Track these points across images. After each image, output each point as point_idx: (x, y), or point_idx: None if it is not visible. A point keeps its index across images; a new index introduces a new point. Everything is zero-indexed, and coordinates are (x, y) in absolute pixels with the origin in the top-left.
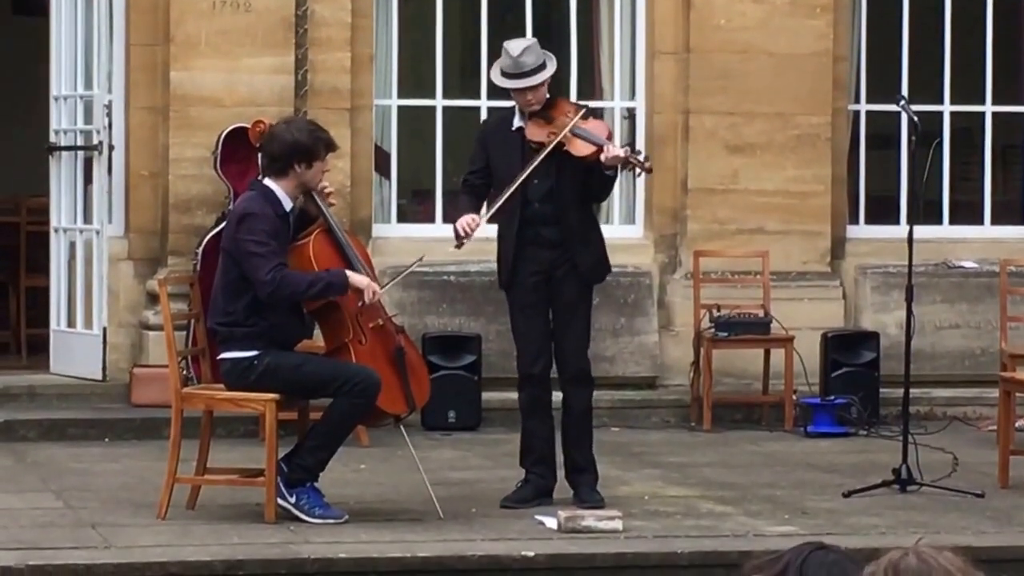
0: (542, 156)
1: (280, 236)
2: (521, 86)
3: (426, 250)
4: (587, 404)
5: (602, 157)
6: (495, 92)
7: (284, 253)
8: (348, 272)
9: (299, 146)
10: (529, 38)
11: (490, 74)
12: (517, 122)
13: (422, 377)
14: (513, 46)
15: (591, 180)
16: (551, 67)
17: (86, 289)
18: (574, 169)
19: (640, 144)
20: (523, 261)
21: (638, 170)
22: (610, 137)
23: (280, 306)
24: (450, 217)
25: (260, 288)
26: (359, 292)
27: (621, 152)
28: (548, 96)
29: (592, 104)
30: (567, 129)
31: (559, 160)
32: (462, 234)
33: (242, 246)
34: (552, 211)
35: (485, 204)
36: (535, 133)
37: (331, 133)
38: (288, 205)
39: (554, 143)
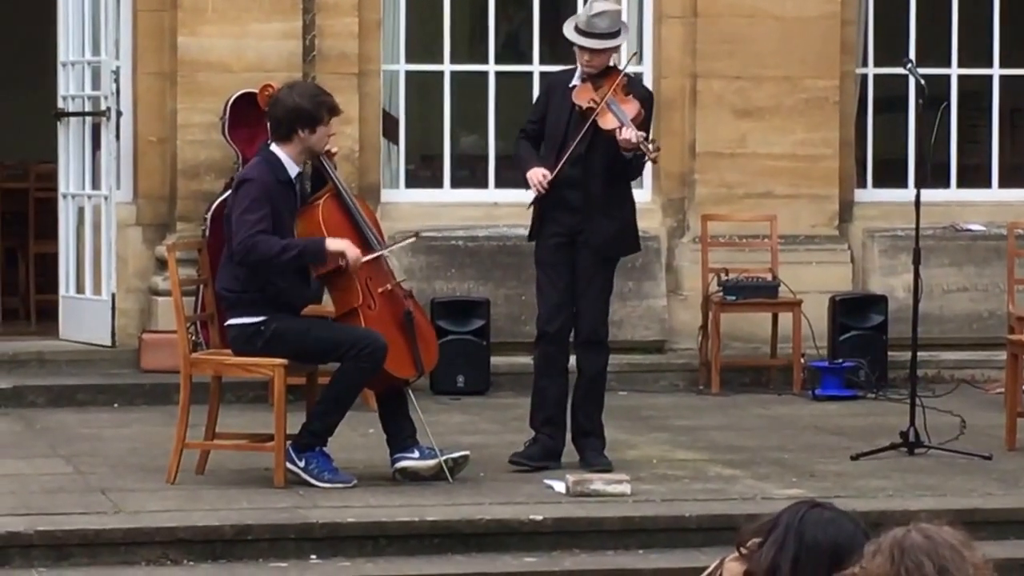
0: (587, 124)
1: (281, 202)
2: (586, 45)
3: (433, 215)
4: (597, 370)
5: (618, 137)
6: (503, 57)
7: (290, 220)
8: (328, 239)
9: (301, 111)
10: (614, 3)
11: (563, 26)
12: (574, 80)
13: (430, 341)
14: (596, 4)
15: (618, 155)
16: (621, 39)
17: (95, 255)
18: (606, 140)
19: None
20: (548, 222)
21: (646, 157)
22: (637, 119)
23: (287, 271)
24: (458, 182)
25: (235, 252)
26: (340, 256)
27: (632, 137)
28: (611, 65)
29: None
30: (603, 101)
31: (593, 129)
32: (540, 191)
33: (233, 213)
34: (579, 176)
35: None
36: (580, 96)
37: (339, 99)
38: (293, 171)
39: (594, 113)
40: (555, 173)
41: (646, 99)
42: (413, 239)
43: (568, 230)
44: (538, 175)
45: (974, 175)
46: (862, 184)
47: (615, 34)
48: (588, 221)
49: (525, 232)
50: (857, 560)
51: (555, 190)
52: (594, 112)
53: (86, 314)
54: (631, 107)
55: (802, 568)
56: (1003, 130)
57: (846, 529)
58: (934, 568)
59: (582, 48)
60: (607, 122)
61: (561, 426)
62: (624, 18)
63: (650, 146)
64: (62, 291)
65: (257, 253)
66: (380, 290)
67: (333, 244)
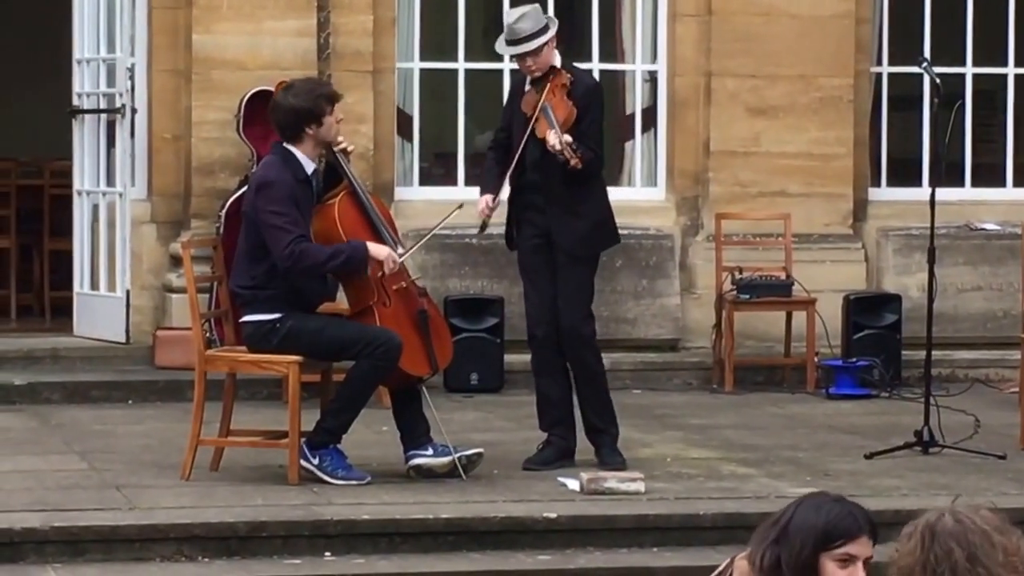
0: (528, 130)
1: (301, 201)
2: (514, 53)
3: (447, 212)
4: (587, 366)
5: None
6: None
7: (307, 217)
8: (368, 243)
9: (301, 110)
10: (529, 5)
11: (495, 45)
12: (526, 86)
13: (445, 339)
14: (510, 13)
15: None
16: (548, 33)
17: (109, 252)
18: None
19: (662, 106)
20: (522, 225)
21: (570, 163)
22: (566, 123)
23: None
24: (472, 180)
25: (280, 261)
26: (379, 263)
27: (557, 143)
28: (555, 64)
29: (613, 67)
30: (539, 108)
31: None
32: (483, 220)
33: (262, 217)
34: (540, 180)
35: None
36: (526, 103)
37: (354, 96)
38: (310, 168)
39: (532, 120)
40: (508, 178)
41: (587, 93)
42: (458, 209)
43: (542, 230)
44: (481, 203)
45: (988, 174)
46: (876, 183)
47: (542, 31)
48: (555, 223)
49: None
50: (847, 543)
51: (522, 194)
52: (533, 120)
53: (100, 311)
54: (563, 110)
55: (791, 540)
56: (1018, 129)
57: (839, 513)
58: (963, 554)
59: (519, 57)
60: (541, 129)
61: (570, 425)
62: (547, 13)
63: (571, 148)
64: (76, 288)
65: (307, 261)
66: (395, 287)
67: (375, 251)
